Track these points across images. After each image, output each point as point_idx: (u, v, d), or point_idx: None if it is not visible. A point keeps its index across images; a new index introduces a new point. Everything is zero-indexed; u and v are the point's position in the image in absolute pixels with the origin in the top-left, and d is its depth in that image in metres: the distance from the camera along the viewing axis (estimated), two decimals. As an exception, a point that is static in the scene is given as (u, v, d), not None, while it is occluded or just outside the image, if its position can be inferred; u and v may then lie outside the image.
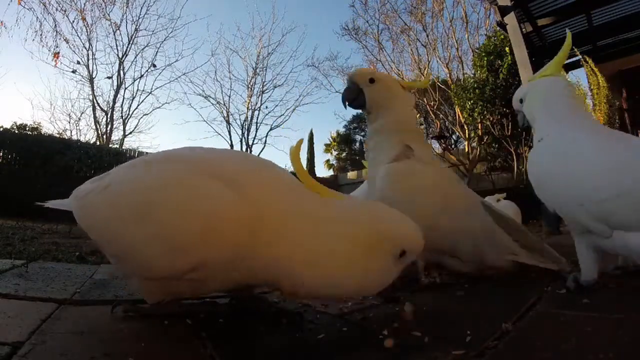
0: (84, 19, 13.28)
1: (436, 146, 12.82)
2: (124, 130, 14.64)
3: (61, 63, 13.01)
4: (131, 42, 14.43)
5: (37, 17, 14.00)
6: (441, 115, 12.17)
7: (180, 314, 0.87)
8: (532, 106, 1.21)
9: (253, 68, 16.33)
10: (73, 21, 13.26)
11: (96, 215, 0.85)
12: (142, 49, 14.68)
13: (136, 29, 14.41)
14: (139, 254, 0.76)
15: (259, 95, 16.26)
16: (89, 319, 0.88)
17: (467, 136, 10.16)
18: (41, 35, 12.42)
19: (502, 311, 0.90)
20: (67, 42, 13.25)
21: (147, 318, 0.87)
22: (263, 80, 16.37)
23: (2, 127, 8.14)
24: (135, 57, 14.61)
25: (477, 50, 9.73)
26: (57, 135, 11.73)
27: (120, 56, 14.34)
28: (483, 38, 10.43)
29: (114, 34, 14.15)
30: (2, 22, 10.26)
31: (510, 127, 7.72)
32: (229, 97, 17.41)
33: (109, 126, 14.12)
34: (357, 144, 23.33)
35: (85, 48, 13.77)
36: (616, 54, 5.17)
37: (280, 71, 17.98)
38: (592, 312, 0.85)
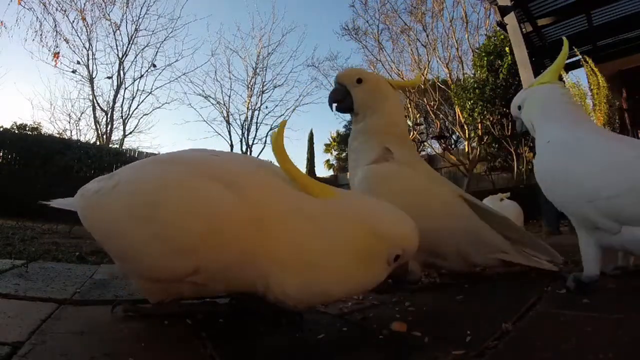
0: (84, 19, 13.30)
1: (436, 146, 12.84)
2: (124, 130, 14.68)
3: (61, 63, 13.05)
4: (131, 42, 14.47)
5: (37, 17, 14.08)
6: (441, 115, 12.17)
7: (180, 314, 0.87)
8: (531, 113, 1.24)
9: (253, 68, 16.36)
10: (73, 21, 13.30)
11: (101, 215, 0.85)
12: (142, 49, 14.72)
13: (136, 29, 14.45)
14: (140, 255, 0.76)
15: (259, 95, 16.27)
16: (89, 319, 0.88)
17: (467, 136, 10.16)
18: (41, 35, 12.46)
19: (502, 311, 0.90)
20: (67, 42, 13.29)
21: (147, 318, 0.87)
22: (263, 80, 16.39)
23: (2, 127, 8.16)
24: (135, 57, 14.65)
25: (477, 50, 9.74)
26: (57, 135, 11.73)
27: (120, 56, 14.37)
28: (483, 38, 10.45)
29: (114, 34, 14.19)
30: (2, 22, 10.28)
31: (510, 127, 7.73)
32: (229, 97, 17.51)
33: (109, 126, 14.15)
34: (357, 144, 23.27)
35: (85, 48, 13.81)
36: (616, 54, 5.17)
37: (280, 71, 18.08)
38: (592, 312, 0.85)
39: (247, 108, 16.06)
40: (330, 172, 21.06)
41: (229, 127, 15.94)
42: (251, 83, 16.23)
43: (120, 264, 0.89)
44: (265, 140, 16.14)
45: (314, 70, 23.05)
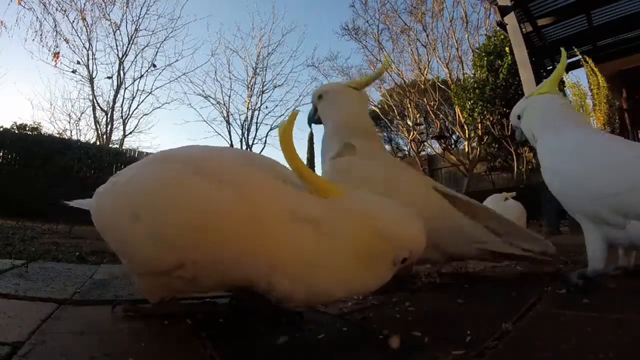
0: (84, 19, 13.27)
1: (436, 146, 12.84)
2: (124, 130, 14.64)
3: (61, 63, 13.00)
4: (131, 42, 14.43)
5: (37, 17, 13.97)
6: (441, 115, 12.17)
7: (180, 314, 0.87)
8: (530, 122, 1.28)
9: (253, 68, 16.30)
10: (73, 21, 13.25)
11: (103, 211, 0.89)
12: (142, 49, 14.66)
13: (136, 29, 14.40)
14: (130, 247, 0.80)
15: (259, 95, 16.22)
16: (89, 319, 0.88)
17: (467, 136, 10.16)
18: (41, 35, 12.41)
19: (502, 311, 0.90)
20: (67, 42, 13.24)
21: (147, 318, 0.87)
22: (263, 80, 16.33)
23: (2, 127, 8.14)
24: (135, 57, 14.60)
25: (477, 50, 9.73)
26: (57, 135, 11.71)
27: (120, 56, 14.33)
28: (483, 38, 10.42)
29: (114, 34, 14.14)
30: (2, 22, 10.25)
31: (510, 127, 7.72)
32: (229, 97, 17.37)
33: (109, 126, 14.12)
34: (357, 144, 23.27)
35: (85, 48, 13.77)
36: (616, 54, 5.18)
37: (280, 71, 17.87)
38: (592, 312, 0.85)
39: (247, 108, 16.06)
40: (330, 172, 21.01)
41: (229, 127, 15.93)
42: (251, 83, 16.21)
43: (121, 258, 0.91)
44: (265, 140, 16.16)
45: (314, 70, 22.96)
